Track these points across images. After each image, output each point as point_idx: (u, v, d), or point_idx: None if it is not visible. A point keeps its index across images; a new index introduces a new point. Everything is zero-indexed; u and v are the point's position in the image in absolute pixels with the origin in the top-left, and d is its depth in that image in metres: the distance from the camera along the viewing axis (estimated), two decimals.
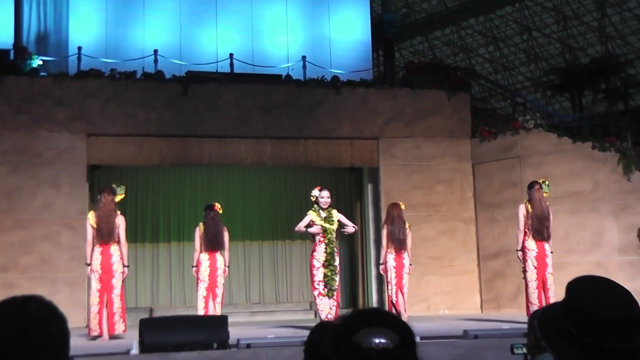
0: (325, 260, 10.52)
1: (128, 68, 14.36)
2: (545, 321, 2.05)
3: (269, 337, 8.89)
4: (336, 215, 10.78)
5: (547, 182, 11.17)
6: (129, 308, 13.34)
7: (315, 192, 10.81)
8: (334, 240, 10.73)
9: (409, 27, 28.20)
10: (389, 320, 1.74)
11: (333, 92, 14.93)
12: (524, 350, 2.19)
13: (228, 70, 15.28)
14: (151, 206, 15.78)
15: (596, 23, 34.54)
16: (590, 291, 1.97)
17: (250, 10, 16.91)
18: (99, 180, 14.13)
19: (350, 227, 10.95)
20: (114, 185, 10.68)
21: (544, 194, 10.95)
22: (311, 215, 10.67)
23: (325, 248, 10.56)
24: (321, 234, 10.59)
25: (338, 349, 1.73)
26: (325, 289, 10.47)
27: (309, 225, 10.70)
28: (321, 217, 10.63)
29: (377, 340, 1.69)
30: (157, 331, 8.25)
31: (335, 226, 10.68)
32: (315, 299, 10.62)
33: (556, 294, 10.48)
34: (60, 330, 1.79)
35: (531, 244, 10.79)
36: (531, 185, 11.08)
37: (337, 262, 10.65)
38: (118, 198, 10.52)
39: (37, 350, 1.71)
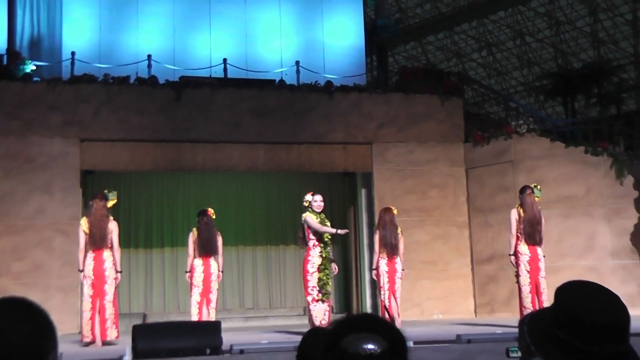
0: (321, 264, 10.48)
1: (121, 73, 14.33)
2: (534, 326, 2.06)
3: (263, 342, 8.89)
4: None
5: (538, 187, 11.20)
6: (123, 314, 13.33)
7: (309, 196, 10.78)
8: (330, 244, 10.73)
9: (402, 32, 28.16)
10: (378, 326, 1.75)
11: (326, 97, 14.94)
12: (519, 354, 2.20)
13: (221, 75, 15.28)
14: (144, 212, 15.76)
15: (588, 28, 34.64)
16: (579, 296, 1.98)
17: (244, 15, 16.92)
18: (92, 185, 14.11)
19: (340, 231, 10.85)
20: (105, 191, 10.67)
21: (536, 199, 10.99)
22: (312, 216, 10.59)
23: (321, 252, 10.52)
24: (317, 238, 10.55)
25: (327, 354, 1.74)
26: (320, 294, 10.43)
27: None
28: (318, 220, 10.60)
29: (364, 346, 1.70)
30: (150, 337, 8.25)
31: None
32: (309, 304, 10.57)
33: (549, 298, 10.48)
34: (29, 336, 1.67)
35: (524, 248, 10.83)
36: (523, 190, 11.11)
37: (332, 267, 10.64)
38: (110, 203, 10.51)
39: None
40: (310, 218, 10.57)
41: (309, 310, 10.61)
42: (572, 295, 1.99)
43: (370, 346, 1.70)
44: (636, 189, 13.83)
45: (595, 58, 33.97)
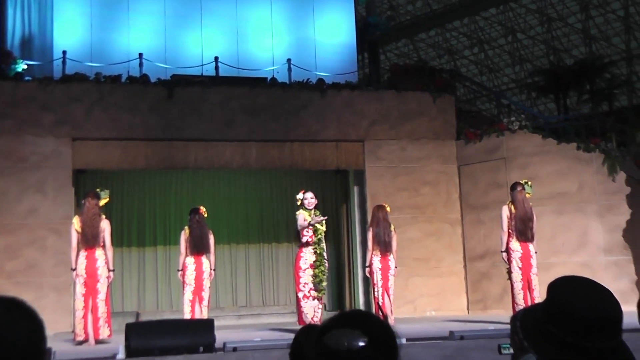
0: (316, 261, 10.52)
1: (113, 72, 14.31)
2: (527, 322, 2.06)
3: (256, 340, 8.88)
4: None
5: (529, 183, 11.21)
6: (116, 312, 13.34)
7: (300, 195, 10.84)
8: (323, 241, 10.75)
9: (393, 29, 28.24)
10: (363, 322, 1.76)
11: (318, 95, 14.94)
12: (511, 351, 2.20)
13: (213, 73, 15.26)
14: (137, 210, 15.75)
15: (580, 25, 34.72)
16: (571, 291, 1.98)
17: (235, 13, 16.88)
18: (85, 184, 14.09)
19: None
20: (98, 190, 10.65)
21: (527, 195, 10.99)
22: (304, 214, 10.65)
23: (315, 249, 10.56)
24: (311, 234, 10.59)
25: (314, 350, 1.75)
26: (312, 291, 10.46)
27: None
28: (312, 217, 10.63)
29: (344, 341, 1.71)
30: (143, 335, 8.23)
31: (324, 227, 10.72)
32: (299, 301, 10.59)
33: (541, 294, 10.50)
34: (27, 333, 1.68)
35: (515, 245, 10.83)
36: (514, 187, 11.12)
37: (327, 264, 10.70)
38: (102, 202, 10.50)
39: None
40: (301, 216, 10.63)
41: (299, 307, 10.63)
42: (564, 291, 1.99)
43: (350, 342, 1.71)
44: (628, 185, 13.86)
45: (587, 54, 34.06)
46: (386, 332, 1.77)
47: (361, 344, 1.71)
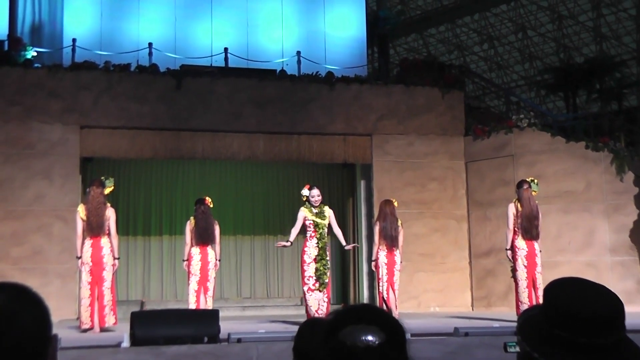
0: (318, 255, 10.55)
1: (122, 61, 14.32)
2: (529, 332, 2.02)
3: (260, 331, 8.89)
4: (328, 211, 10.82)
5: (536, 181, 11.17)
6: (120, 301, 13.36)
7: (305, 191, 10.84)
8: (326, 235, 10.77)
9: (403, 24, 28.18)
10: (377, 318, 1.73)
11: (327, 88, 14.92)
12: (517, 349, 2.18)
13: (222, 64, 15.26)
14: (143, 199, 15.78)
15: (591, 23, 34.62)
16: (570, 291, 1.96)
17: (246, 5, 16.88)
18: (92, 172, 14.12)
19: (347, 245, 11.41)
20: (102, 178, 10.65)
21: (533, 193, 10.96)
22: (304, 212, 10.69)
23: (317, 243, 10.59)
24: (313, 229, 10.63)
25: (325, 345, 1.73)
26: (316, 284, 10.50)
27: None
28: (313, 212, 10.66)
29: (362, 338, 1.68)
30: (148, 324, 8.25)
31: (327, 221, 10.72)
32: (304, 294, 10.64)
33: None
34: (34, 319, 1.69)
35: (521, 243, 10.80)
36: (520, 185, 11.07)
37: (328, 257, 10.71)
38: (107, 190, 10.48)
39: (8, 345, 1.62)
40: (301, 214, 10.70)
41: (305, 300, 10.67)
42: (564, 292, 1.97)
43: (369, 338, 1.68)
44: (636, 185, 13.83)
45: (597, 53, 33.95)
46: (398, 328, 1.75)
47: (380, 340, 1.69)
